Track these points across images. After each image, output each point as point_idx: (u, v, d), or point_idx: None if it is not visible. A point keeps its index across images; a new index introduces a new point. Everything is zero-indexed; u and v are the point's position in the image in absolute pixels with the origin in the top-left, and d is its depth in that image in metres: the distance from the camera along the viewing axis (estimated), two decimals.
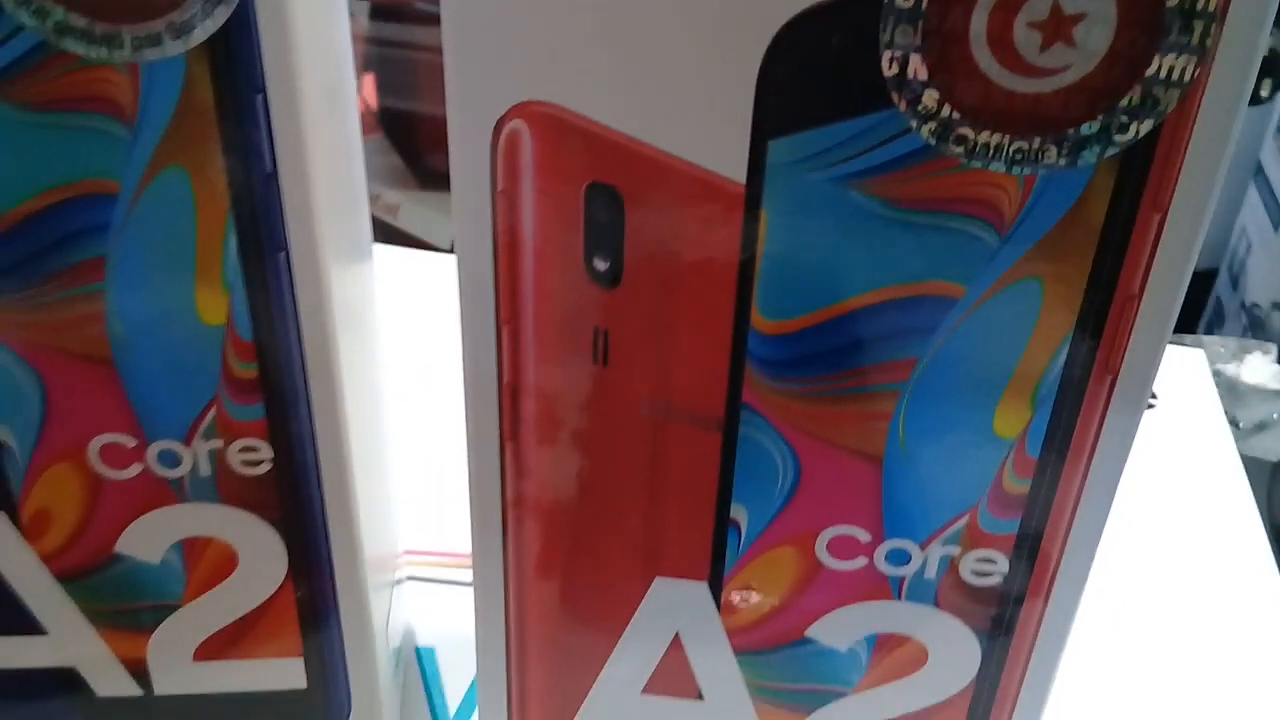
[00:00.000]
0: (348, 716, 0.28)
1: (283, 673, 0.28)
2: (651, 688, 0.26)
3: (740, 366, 0.21)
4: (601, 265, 0.20)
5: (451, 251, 0.21)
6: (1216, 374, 0.47)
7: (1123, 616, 0.36)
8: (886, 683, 0.25)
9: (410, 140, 0.99)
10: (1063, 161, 0.18)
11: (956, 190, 0.18)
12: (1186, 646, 0.36)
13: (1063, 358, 0.20)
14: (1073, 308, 0.19)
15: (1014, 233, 0.19)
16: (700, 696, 0.25)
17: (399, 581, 0.33)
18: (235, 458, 0.24)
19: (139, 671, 0.27)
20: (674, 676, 0.25)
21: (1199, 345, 0.49)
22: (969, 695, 0.25)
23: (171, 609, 0.26)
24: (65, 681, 0.27)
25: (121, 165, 0.21)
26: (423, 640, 0.34)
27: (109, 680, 0.27)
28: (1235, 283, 1.07)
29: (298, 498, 0.25)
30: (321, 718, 0.28)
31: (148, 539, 0.25)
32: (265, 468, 0.25)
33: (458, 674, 0.33)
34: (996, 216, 0.19)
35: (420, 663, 0.34)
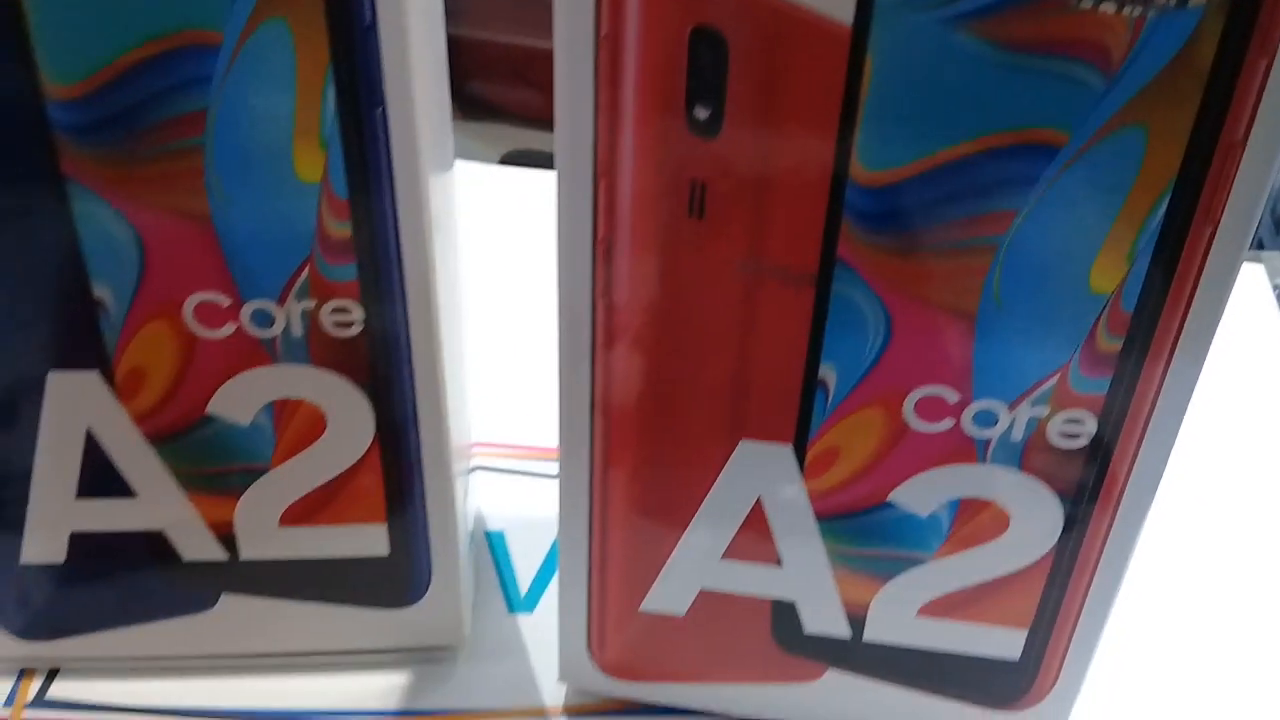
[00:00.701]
0: (428, 585, 0.29)
1: (366, 539, 0.28)
2: (731, 553, 0.26)
3: (837, 219, 0.21)
4: (702, 114, 0.20)
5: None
6: (1277, 288, 0.47)
7: (1189, 514, 0.36)
8: (966, 549, 0.25)
9: (451, 67, 0.98)
10: (1173, 1, 0.18)
11: (1065, 32, 0.18)
12: (1244, 541, 0.36)
13: (1163, 208, 0.20)
14: (1176, 155, 0.19)
15: (1121, 77, 0.19)
16: (779, 562, 0.26)
17: (470, 470, 0.33)
18: (327, 319, 0.25)
19: (226, 536, 0.28)
20: (754, 542, 0.26)
21: (1258, 260, 0.48)
22: (1048, 564, 0.25)
23: (260, 472, 0.27)
24: (153, 546, 0.28)
25: (224, 16, 0.21)
26: (492, 526, 0.35)
27: (196, 544, 0.28)
28: None
29: (387, 362, 0.26)
30: (403, 586, 0.29)
31: (239, 400, 0.26)
32: (356, 330, 0.25)
33: (527, 558, 0.34)
34: (1104, 60, 0.19)
35: (491, 546, 0.34)
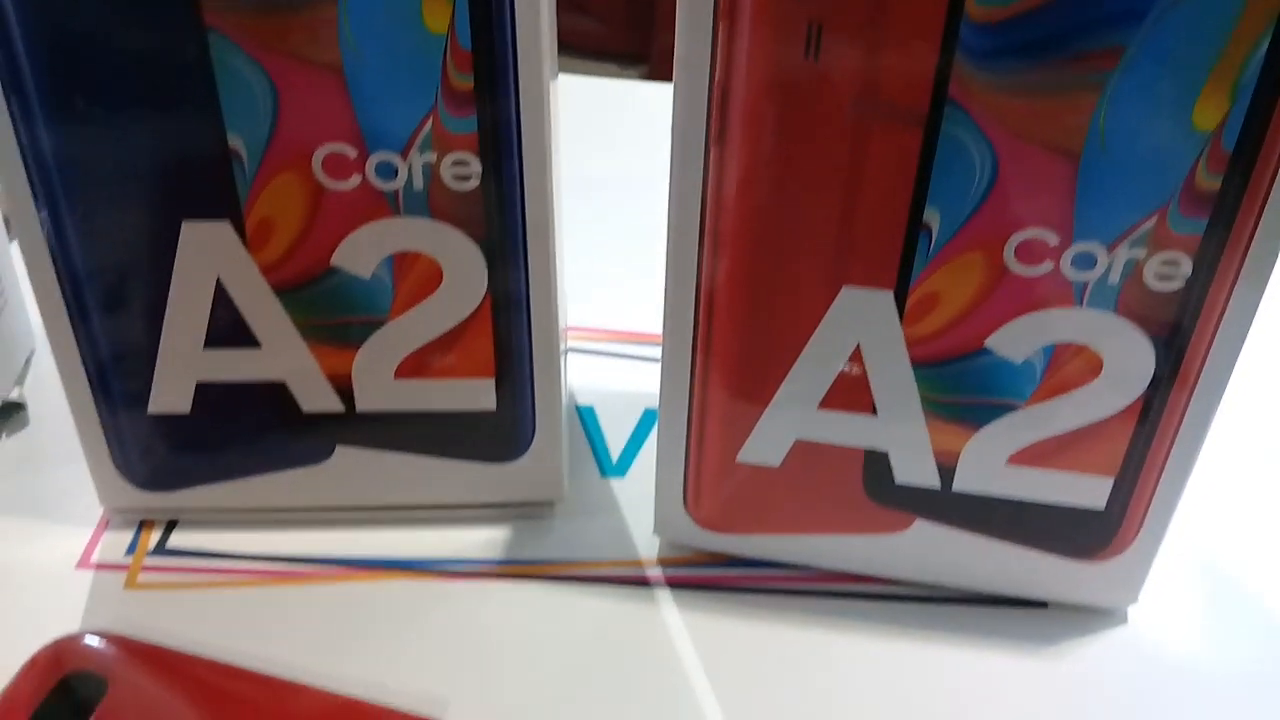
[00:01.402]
0: (531, 441, 0.30)
1: (475, 394, 0.29)
2: (828, 403, 0.27)
3: (950, 57, 0.22)
4: None
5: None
6: None
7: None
8: (1058, 395, 0.26)
9: None
10: None
11: None
12: None
13: (1265, 45, 0.21)
14: None
15: None
16: (874, 411, 0.27)
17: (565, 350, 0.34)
18: (448, 171, 0.26)
19: (343, 387, 0.29)
20: (850, 391, 0.27)
21: None
22: (1137, 410, 0.26)
23: (378, 325, 0.28)
24: (274, 397, 0.29)
25: None
26: (582, 402, 0.36)
27: (315, 395, 0.29)
28: None
29: (502, 217, 0.27)
30: (508, 441, 0.30)
31: (361, 252, 0.27)
32: (474, 183, 0.26)
33: (616, 430, 0.35)
34: None
35: (582, 419, 0.36)
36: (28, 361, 0.37)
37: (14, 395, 0.35)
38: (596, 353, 0.38)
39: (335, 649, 0.28)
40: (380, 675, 0.28)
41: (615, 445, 0.35)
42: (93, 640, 0.27)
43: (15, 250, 0.35)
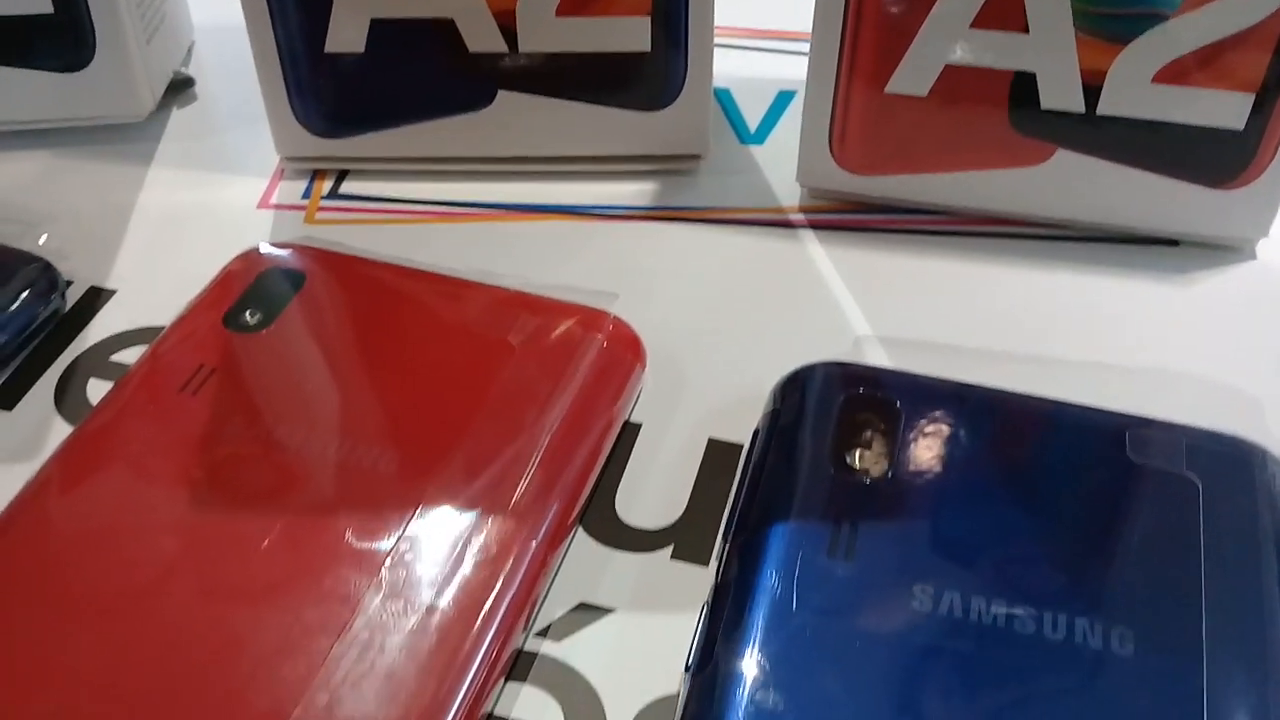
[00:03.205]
0: (681, 88, 0.32)
1: (631, 33, 0.31)
2: (981, 21, 0.28)
3: None
4: None
5: None
6: None
7: None
8: (1206, 4, 0.27)
9: None
10: None
11: None
12: None
13: None
14: None
15: None
16: (1025, 29, 0.28)
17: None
18: None
19: (507, 26, 0.31)
20: (1003, 8, 0.28)
21: None
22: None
23: None
24: (443, 36, 0.31)
25: None
26: (719, 85, 0.38)
27: (481, 34, 0.31)
28: None
29: None
30: (659, 87, 0.32)
31: None
32: None
33: (752, 108, 0.36)
34: None
35: (719, 98, 0.37)
36: (189, 50, 0.39)
37: (183, 71, 0.37)
38: (731, 46, 0.39)
39: (502, 268, 0.30)
40: (547, 282, 0.30)
41: (752, 119, 0.36)
42: (285, 247, 0.30)
43: None
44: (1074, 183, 0.30)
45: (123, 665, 0.21)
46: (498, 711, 0.22)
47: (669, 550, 0.25)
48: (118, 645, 0.21)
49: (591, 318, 0.28)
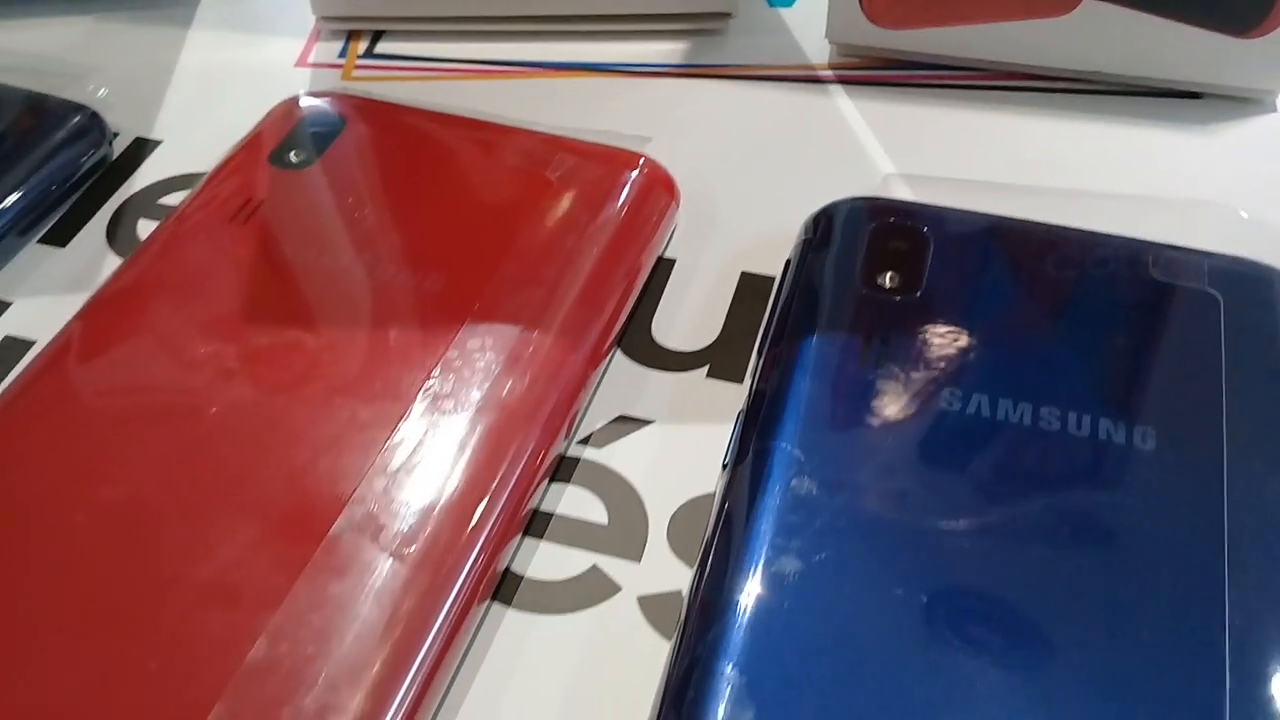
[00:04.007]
0: None
1: None
2: None
3: None
4: None
5: None
6: None
7: None
8: None
9: None
10: None
11: None
12: None
13: None
14: None
15: None
16: None
17: None
18: None
19: None
20: None
21: None
22: None
23: None
24: None
25: None
26: None
27: None
28: None
29: None
30: None
31: None
32: None
33: None
34: None
35: None
36: None
37: None
38: None
39: (536, 120, 0.31)
40: (581, 125, 0.30)
41: None
42: (324, 95, 0.30)
43: None
44: (1099, 33, 0.31)
45: (189, 453, 0.22)
46: (545, 508, 0.23)
47: (704, 370, 0.26)
48: (185, 438, 0.22)
49: (626, 158, 0.28)
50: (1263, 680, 0.19)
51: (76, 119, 0.30)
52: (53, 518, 0.21)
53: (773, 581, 0.20)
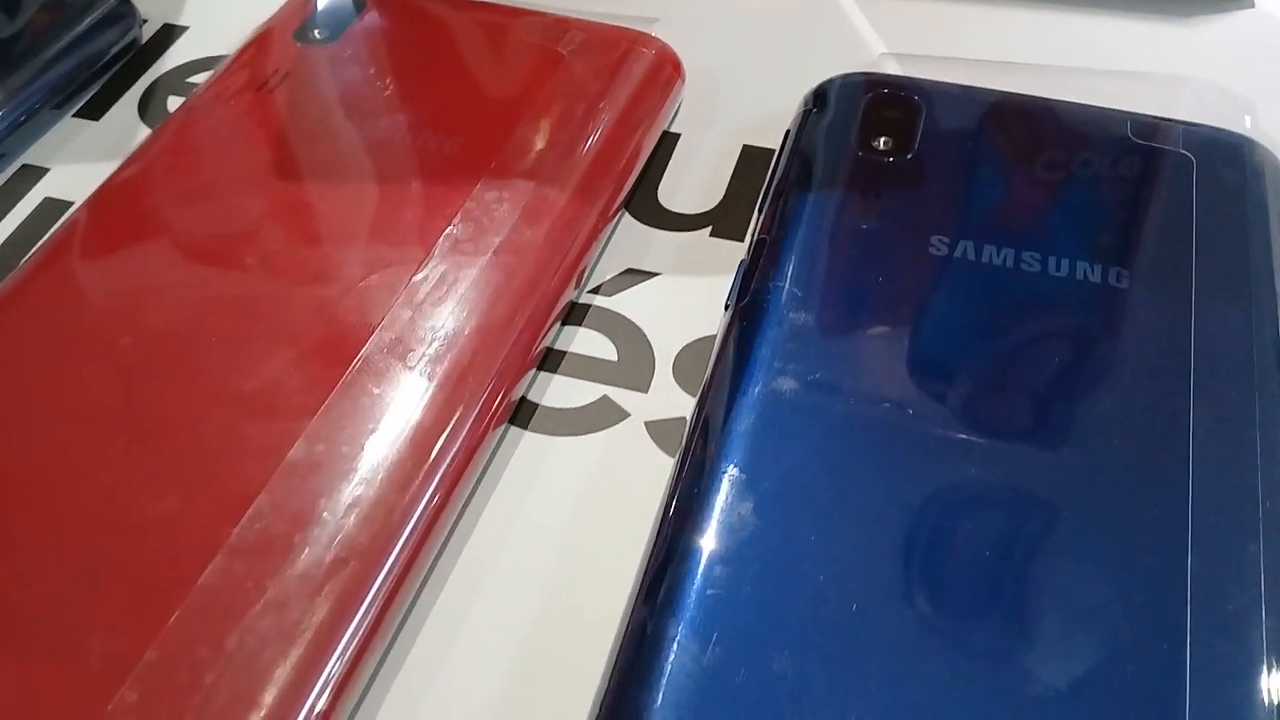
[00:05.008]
0: None
1: None
2: None
3: None
4: None
5: None
6: None
7: None
8: None
9: None
10: None
11: None
12: None
13: None
14: None
15: None
16: None
17: None
18: None
19: None
20: None
21: None
22: None
23: None
24: None
25: None
26: None
27: None
28: None
29: None
30: None
31: None
32: None
33: None
34: None
35: None
36: None
37: None
38: None
39: (548, 3, 0.32)
40: (590, 8, 0.32)
41: None
42: None
43: None
44: None
45: (232, 288, 0.24)
46: (558, 347, 0.25)
47: (708, 230, 0.27)
48: (227, 276, 0.24)
49: (634, 36, 0.30)
50: (1223, 495, 0.21)
51: (107, 2, 0.32)
52: (108, 342, 0.23)
53: (770, 399, 0.22)
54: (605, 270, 0.26)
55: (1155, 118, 0.27)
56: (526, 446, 0.23)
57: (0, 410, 0.22)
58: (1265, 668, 0.19)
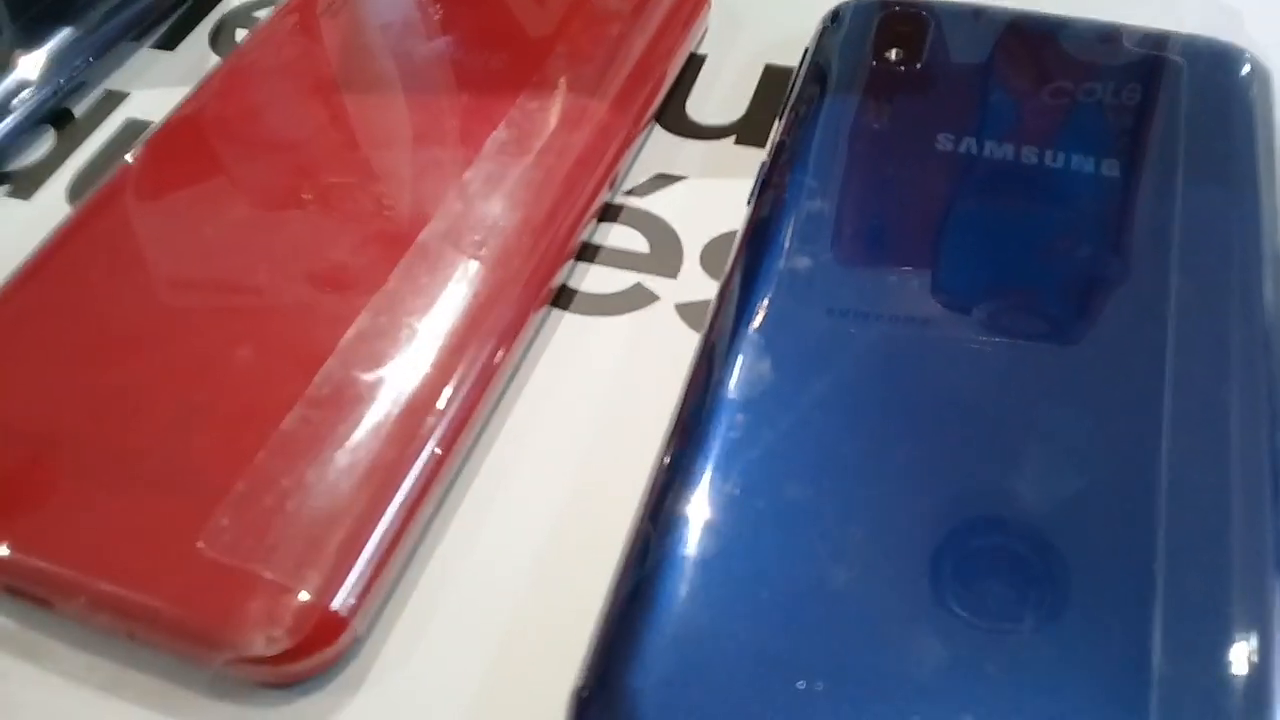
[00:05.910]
0: None
1: None
2: None
3: None
4: None
5: None
6: None
7: None
8: None
9: None
10: None
11: None
12: None
13: None
14: None
15: None
16: None
17: None
18: None
19: None
20: None
21: None
22: None
23: None
24: None
25: None
26: None
27: None
28: None
29: None
30: None
31: None
32: None
33: None
34: None
35: None
36: None
37: None
38: None
39: None
40: None
41: None
42: None
43: None
44: None
45: (299, 178, 0.26)
46: (594, 241, 0.27)
47: (732, 139, 0.30)
48: (296, 168, 0.27)
49: None
50: (1199, 378, 0.23)
51: None
52: (206, 225, 0.26)
53: (793, 277, 0.24)
54: (638, 175, 0.29)
55: (1150, 29, 0.29)
56: (567, 325, 0.26)
57: (117, 283, 0.25)
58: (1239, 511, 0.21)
